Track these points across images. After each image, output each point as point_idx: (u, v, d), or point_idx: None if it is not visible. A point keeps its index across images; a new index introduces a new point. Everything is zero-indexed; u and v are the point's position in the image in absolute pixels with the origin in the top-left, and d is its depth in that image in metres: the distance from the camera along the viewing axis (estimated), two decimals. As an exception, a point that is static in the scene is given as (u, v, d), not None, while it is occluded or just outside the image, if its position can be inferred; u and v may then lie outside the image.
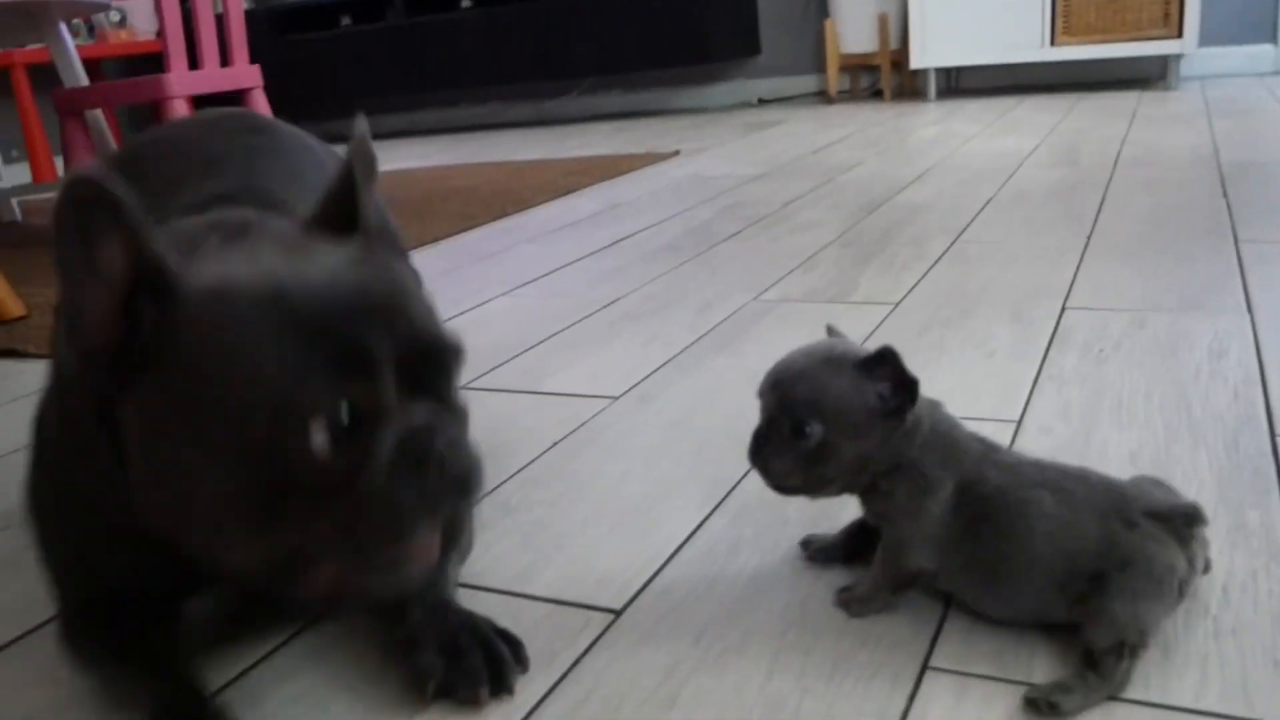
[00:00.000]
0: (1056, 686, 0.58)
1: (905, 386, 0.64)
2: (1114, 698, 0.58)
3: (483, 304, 1.60)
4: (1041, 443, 0.92)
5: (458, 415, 0.58)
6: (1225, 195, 1.81)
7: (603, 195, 2.52)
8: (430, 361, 0.56)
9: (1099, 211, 1.78)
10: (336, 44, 4.92)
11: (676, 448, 0.99)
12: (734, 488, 0.89)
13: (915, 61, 3.79)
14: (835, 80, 4.12)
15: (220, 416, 0.51)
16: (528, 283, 1.71)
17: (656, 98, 4.86)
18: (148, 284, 0.52)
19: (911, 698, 0.60)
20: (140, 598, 0.67)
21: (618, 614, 0.72)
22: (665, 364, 1.23)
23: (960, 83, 4.25)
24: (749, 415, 1.04)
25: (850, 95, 4.35)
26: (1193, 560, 0.61)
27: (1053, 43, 3.51)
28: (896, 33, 3.98)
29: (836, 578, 0.73)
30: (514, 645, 0.67)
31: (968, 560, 0.64)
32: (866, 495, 0.68)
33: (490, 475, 0.96)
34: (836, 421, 0.65)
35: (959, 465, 0.65)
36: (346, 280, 0.54)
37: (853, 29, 3.99)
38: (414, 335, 0.55)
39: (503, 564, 0.81)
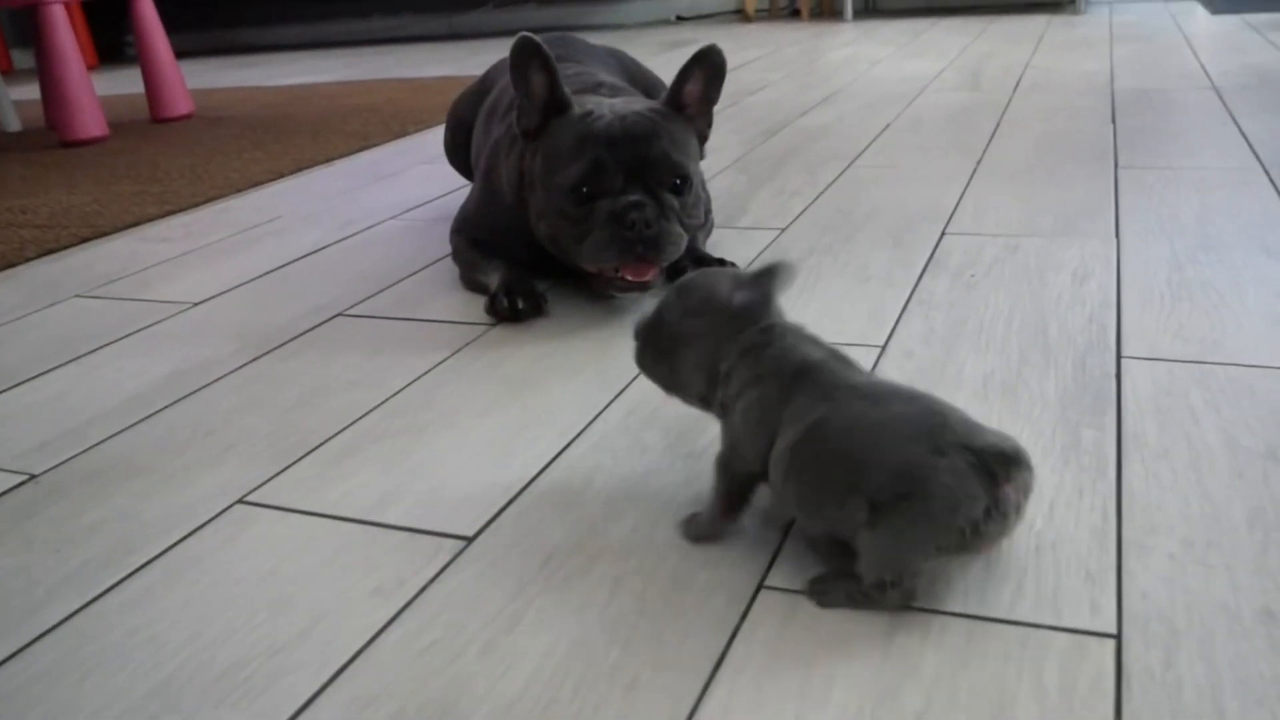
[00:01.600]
0: (833, 587, 0.61)
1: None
2: (928, 609, 0.61)
3: (372, 227, 1.58)
4: (904, 366, 0.94)
5: (661, 202, 1.06)
6: (1114, 122, 1.84)
7: (508, 115, 2.47)
8: (650, 173, 1.06)
9: (991, 138, 1.80)
10: (239, -48, 4.73)
11: (544, 376, 0.99)
12: (597, 416, 0.90)
13: (831, -20, 3.76)
14: (752, -2, 4.08)
15: (553, 169, 1.08)
16: (419, 205, 1.68)
17: (572, 12, 4.77)
18: (555, 102, 1.09)
19: (744, 615, 0.62)
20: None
21: (469, 540, 0.73)
22: (546, 290, 1.22)
23: (878, 3, 4.23)
24: (621, 339, 1.05)
25: (768, 14, 4.31)
26: (1000, 503, 0.57)
27: (965, -36, 3.51)
28: (813, -50, 3.94)
29: (684, 507, 0.75)
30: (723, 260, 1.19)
31: (789, 473, 0.63)
32: (714, 407, 0.70)
33: (358, 403, 0.96)
34: (686, 315, 0.70)
35: (789, 375, 0.65)
36: (628, 126, 1.06)
37: (769, -54, 3.94)
38: (644, 158, 1.05)
39: (362, 492, 0.81)
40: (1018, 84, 2.31)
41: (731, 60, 3.08)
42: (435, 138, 2.27)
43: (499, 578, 0.68)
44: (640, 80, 1.50)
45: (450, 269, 1.33)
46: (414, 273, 1.34)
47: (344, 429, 0.92)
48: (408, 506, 0.78)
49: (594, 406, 0.92)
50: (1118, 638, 0.58)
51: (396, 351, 1.08)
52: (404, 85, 3.16)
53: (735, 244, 1.33)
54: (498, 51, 3.93)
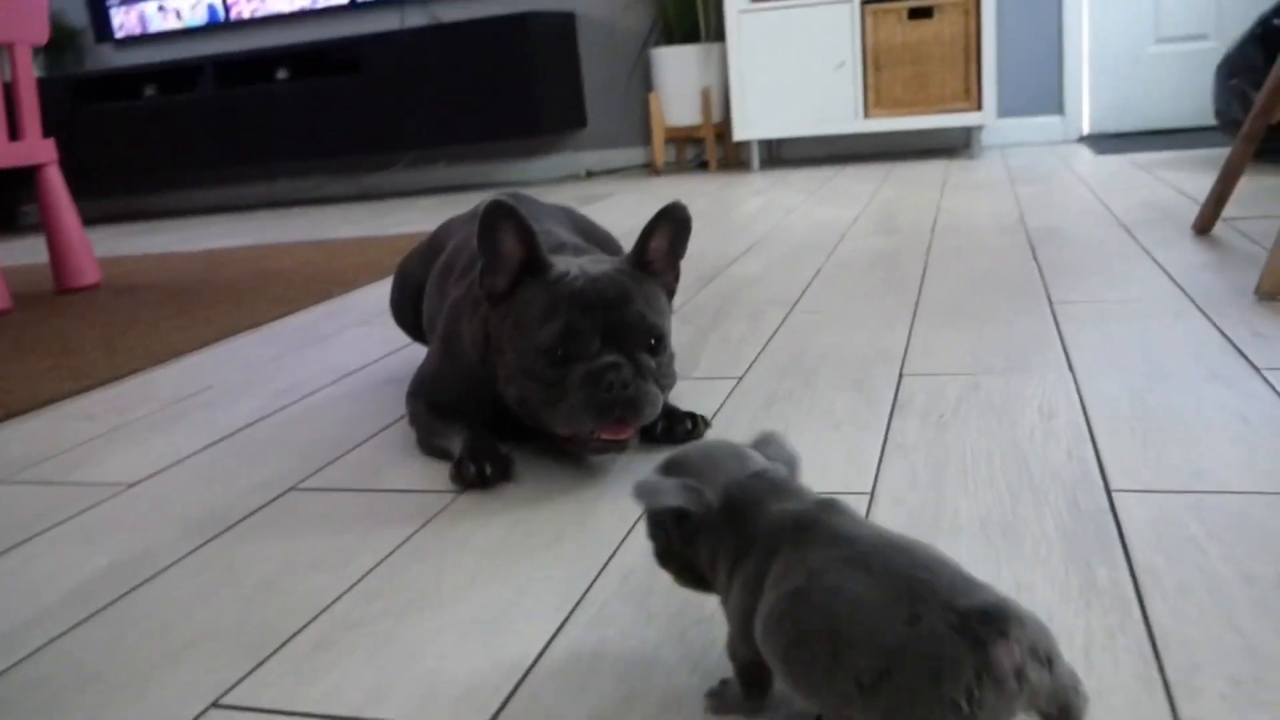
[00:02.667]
0: None
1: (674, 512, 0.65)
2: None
3: (311, 394, 1.53)
4: (896, 514, 0.92)
5: (638, 364, 1.05)
6: (1035, 259, 1.91)
7: (433, 274, 2.46)
8: (627, 335, 1.05)
9: (922, 279, 1.84)
10: (143, 116, 4.72)
11: (522, 545, 0.95)
12: (591, 585, 0.86)
13: (738, 134, 3.90)
14: (661, 152, 4.20)
15: (525, 332, 1.06)
16: (358, 369, 1.64)
17: (483, 171, 4.85)
18: (531, 264, 1.08)
19: (794, 801, 0.58)
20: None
21: (477, 732, 0.67)
22: (509, 451, 1.19)
23: (781, 153, 4.40)
24: (601, 502, 1.01)
25: (676, 167, 4.44)
26: (991, 667, 0.51)
27: (865, 115, 3.68)
28: (719, 105, 4.10)
29: (708, 677, 0.71)
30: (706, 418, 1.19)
31: (764, 634, 0.58)
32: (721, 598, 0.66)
33: (325, 588, 0.90)
34: (652, 526, 0.68)
35: (764, 549, 0.61)
36: (600, 288, 1.05)
37: (676, 102, 4.08)
38: (621, 320, 1.05)
39: (348, 685, 0.75)
40: (934, 226, 2.40)
41: (647, 212, 3.14)
42: (363, 299, 2.24)
43: (517, 773, 0.63)
44: (593, 237, 1.50)
45: (404, 433, 1.29)
46: (365, 440, 1.29)
47: (315, 618, 0.86)
48: (400, 702, 0.72)
49: (585, 575, 0.87)
50: (1194, 794, 0.55)
51: (359, 527, 1.03)
52: (320, 248, 3.14)
53: (696, 395, 1.31)
54: (408, 211, 3.95)
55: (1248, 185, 2.46)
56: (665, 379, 1.08)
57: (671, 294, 1.16)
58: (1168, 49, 3.68)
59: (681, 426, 1.16)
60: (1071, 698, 0.55)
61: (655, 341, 1.07)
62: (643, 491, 0.66)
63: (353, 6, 4.69)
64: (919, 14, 3.55)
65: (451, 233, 1.46)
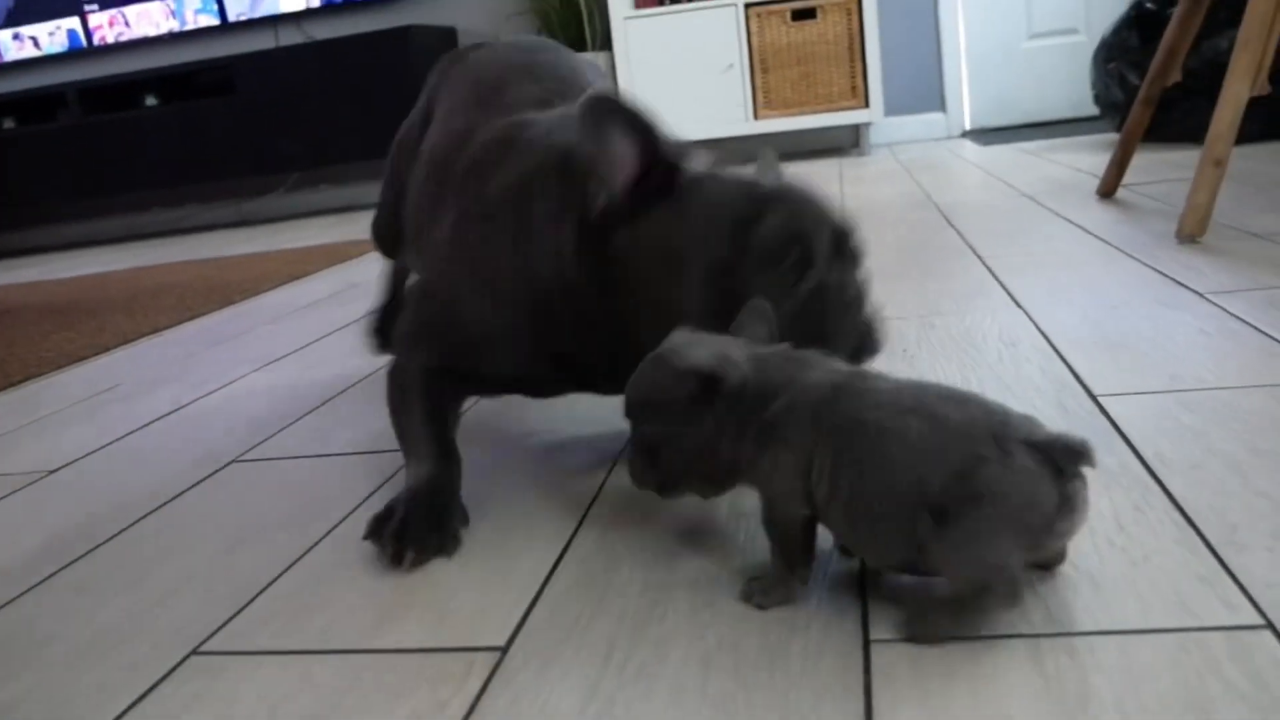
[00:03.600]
0: (928, 615, 0.57)
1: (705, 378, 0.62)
2: (1056, 634, 0.55)
3: (235, 380, 1.44)
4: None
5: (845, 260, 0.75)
6: (953, 226, 1.94)
7: (336, 278, 2.38)
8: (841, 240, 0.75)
9: (846, 247, 1.85)
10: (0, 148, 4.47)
11: (512, 485, 0.90)
12: (591, 504, 0.82)
13: (628, 141, 3.90)
14: (551, 164, 4.17)
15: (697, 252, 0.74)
16: (282, 358, 1.56)
17: (369, 191, 4.74)
18: (660, 165, 0.76)
19: (867, 674, 0.55)
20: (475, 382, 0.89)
21: (504, 650, 0.62)
22: (468, 408, 1.13)
23: (669, 162, 4.42)
24: (579, 446, 0.97)
25: (566, 179, 4.42)
26: (1071, 499, 0.54)
27: (755, 116, 3.72)
28: (606, 116, 4.09)
29: (736, 577, 0.67)
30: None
31: (829, 497, 0.58)
32: (744, 476, 0.64)
33: (299, 540, 0.84)
34: (657, 417, 0.65)
35: (808, 408, 0.60)
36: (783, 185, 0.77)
37: (564, 113, 4.06)
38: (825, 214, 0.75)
39: (349, 619, 0.69)
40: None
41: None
42: (269, 302, 2.14)
43: (560, 683, 0.58)
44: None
45: (353, 400, 1.22)
46: (309, 411, 1.22)
47: (293, 564, 0.79)
48: (414, 626, 0.67)
49: (582, 498, 0.83)
50: (1271, 627, 0.54)
51: (318, 489, 0.96)
52: (210, 264, 3.01)
53: (646, 353, 1.28)
54: (299, 231, 3.83)
55: (1140, 160, 2.56)
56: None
57: None
58: (1040, 44, 3.83)
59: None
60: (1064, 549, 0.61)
61: (851, 245, 0.78)
62: (669, 357, 0.64)
63: (224, 27, 4.54)
64: (802, 15, 3.62)
65: (450, 88, 1.07)
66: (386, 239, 1.21)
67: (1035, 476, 0.53)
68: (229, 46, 4.57)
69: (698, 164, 0.79)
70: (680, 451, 0.65)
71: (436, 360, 0.88)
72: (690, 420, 0.64)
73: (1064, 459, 0.54)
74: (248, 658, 0.66)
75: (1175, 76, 1.94)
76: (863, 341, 0.75)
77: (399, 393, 0.89)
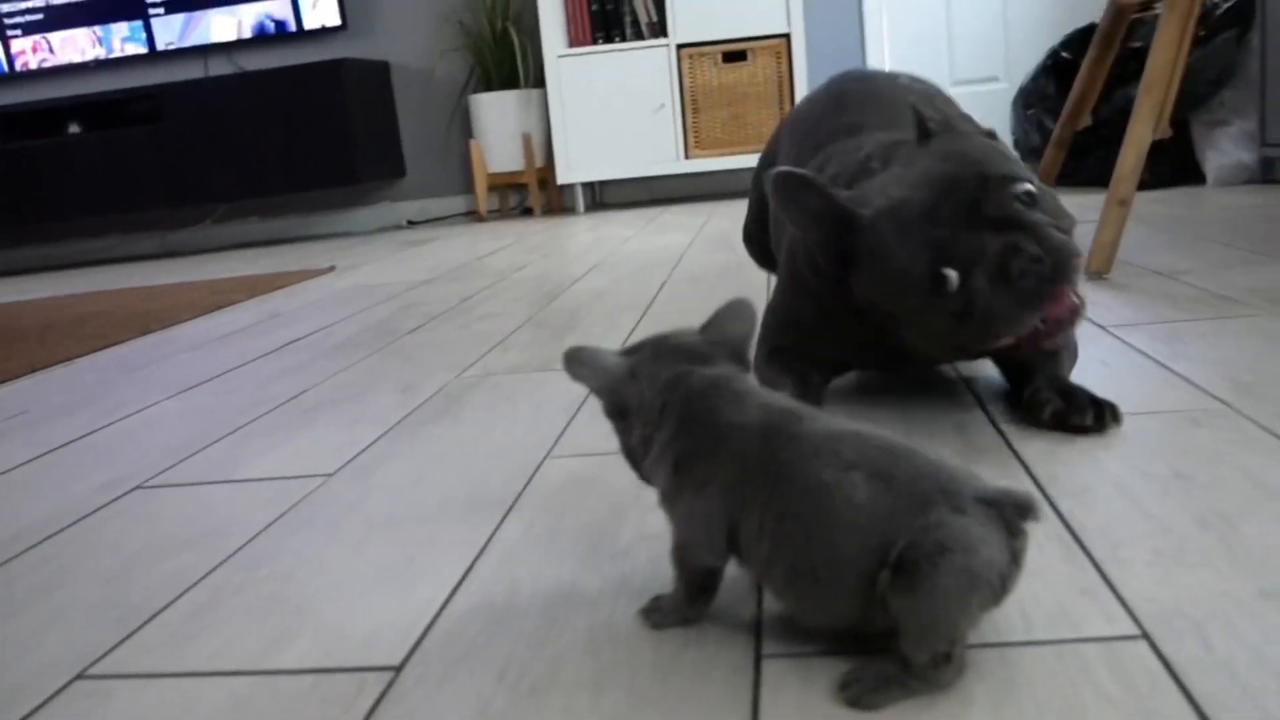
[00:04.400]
0: (876, 681, 0.52)
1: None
2: (956, 649, 0.56)
3: (148, 407, 1.42)
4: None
5: (1025, 225, 0.82)
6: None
7: (259, 308, 2.35)
8: (991, 204, 0.82)
9: (769, 281, 1.88)
10: (-82, 178, 4.36)
11: (415, 513, 0.89)
12: (493, 535, 0.81)
13: (562, 178, 3.92)
14: (484, 199, 4.17)
15: (899, 288, 0.86)
16: (196, 385, 1.53)
17: (299, 224, 4.69)
18: (841, 218, 0.89)
19: (756, 687, 0.55)
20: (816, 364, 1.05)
21: (398, 669, 0.62)
22: (378, 439, 1.13)
23: (605, 197, 4.44)
24: (485, 475, 0.97)
25: (500, 214, 4.42)
26: (1017, 555, 0.52)
27: (686, 156, 3.76)
28: (541, 150, 4.11)
29: (636, 599, 0.67)
30: (1114, 406, 0.91)
31: (769, 558, 0.56)
32: (661, 503, 0.64)
33: (197, 564, 0.83)
34: (608, 402, 0.65)
35: (735, 454, 0.58)
36: (933, 180, 0.85)
37: (498, 148, 4.07)
38: (972, 198, 0.82)
39: (239, 643, 0.68)
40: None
41: (481, 248, 3.11)
42: (190, 331, 2.11)
43: (451, 702, 0.58)
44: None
45: (265, 427, 1.21)
46: (219, 439, 1.20)
47: (190, 588, 0.78)
48: (306, 647, 0.66)
49: (483, 529, 0.83)
50: (1146, 637, 0.56)
51: (223, 512, 0.95)
52: (132, 293, 2.95)
53: (561, 383, 1.29)
54: (226, 263, 3.78)
55: (1049, 203, 2.64)
56: (1063, 221, 0.85)
57: (994, 136, 0.96)
58: (963, 90, 3.93)
59: (1079, 418, 0.89)
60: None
61: (1023, 193, 0.83)
62: (568, 358, 0.64)
63: (152, 55, 4.49)
64: (733, 57, 3.68)
65: (789, 129, 1.26)
66: (754, 247, 1.50)
67: (990, 534, 0.51)
68: (157, 75, 4.52)
69: (872, 185, 0.91)
70: (623, 449, 0.65)
71: (776, 345, 1.07)
72: (617, 425, 0.65)
73: (1013, 515, 0.52)
74: (135, 681, 0.64)
75: (1085, 121, 2.01)
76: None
77: (759, 373, 1.05)
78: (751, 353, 0.67)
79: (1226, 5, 2.71)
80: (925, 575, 0.50)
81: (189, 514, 0.95)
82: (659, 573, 0.70)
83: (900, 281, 0.85)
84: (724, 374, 0.62)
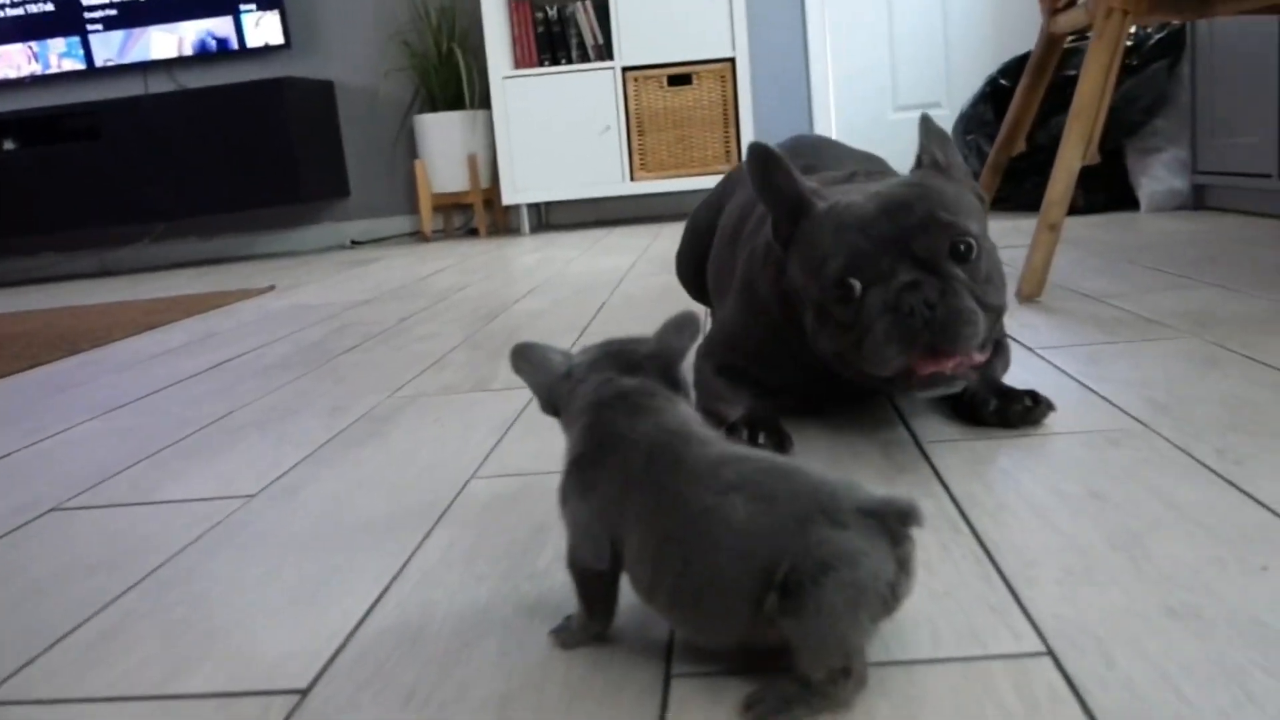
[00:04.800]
0: (778, 702, 0.52)
1: None
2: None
3: (70, 428, 1.39)
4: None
5: (943, 275, 0.85)
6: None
7: (194, 328, 2.32)
8: (920, 242, 0.86)
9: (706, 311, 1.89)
10: None
11: (335, 535, 0.88)
12: (411, 556, 0.80)
13: (507, 198, 3.91)
14: (429, 219, 4.15)
15: (812, 274, 0.91)
16: (121, 406, 1.50)
17: (240, 243, 4.64)
18: (798, 202, 0.94)
19: (663, 707, 0.55)
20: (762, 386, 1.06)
21: (304, 693, 0.61)
22: (303, 461, 1.11)
23: (550, 218, 4.45)
24: (408, 496, 0.95)
25: (445, 234, 4.40)
26: (905, 562, 0.53)
27: (632, 178, 3.78)
28: (486, 171, 4.10)
29: (551, 618, 0.67)
30: (1048, 398, 0.98)
31: (652, 582, 0.56)
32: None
33: (108, 587, 0.81)
34: (542, 400, 0.68)
35: (620, 469, 0.58)
36: (883, 200, 0.88)
37: (443, 169, 4.06)
38: (907, 227, 0.86)
39: (146, 668, 0.66)
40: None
41: (424, 268, 3.09)
42: (120, 351, 2.07)
43: (356, 723, 0.57)
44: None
45: (189, 448, 1.19)
46: (140, 460, 1.18)
47: (100, 611, 0.76)
48: (211, 671, 0.64)
49: (402, 550, 0.82)
50: (1051, 654, 0.56)
51: (140, 535, 0.93)
52: (64, 312, 2.89)
53: (495, 403, 1.28)
54: (164, 282, 3.72)
55: (992, 227, 2.68)
56: (986, 291, 0.88)
57: (982, 200, 0.98)
58: (906, 116, 3.99)
59: (1018, 405, 0.96)
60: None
61: (962, 246, 0.86)
62: (514, 353, 0.68)
63: (91, 72, 4.43)
64: (678, 80, 3.71)
65: (736, 182, 1.32)
66: (684, 274, 1.57)
67: (874, 545, 0.51)
68: (96, 92, 4.45)
69: (838, 190, 0.96)
70: None
71: (724, 363, 1.09)
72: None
73: (895, 522, 0.52)
74: (33, 708, 0.62)
75: (1020, 147, 2.04)
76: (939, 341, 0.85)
77: (700, 386, 1.09)
78: (688, 367, 0.68)
79: (1159, 36, 2.78)
80: (810, 595, 0.50)
81: (105, 536, 0.93)
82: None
83: (817, 274, 0.90)
84: (637, 387, 0.62)
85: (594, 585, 0.61)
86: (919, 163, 0.95)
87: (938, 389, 0.88)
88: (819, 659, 0.51)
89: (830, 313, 0.90)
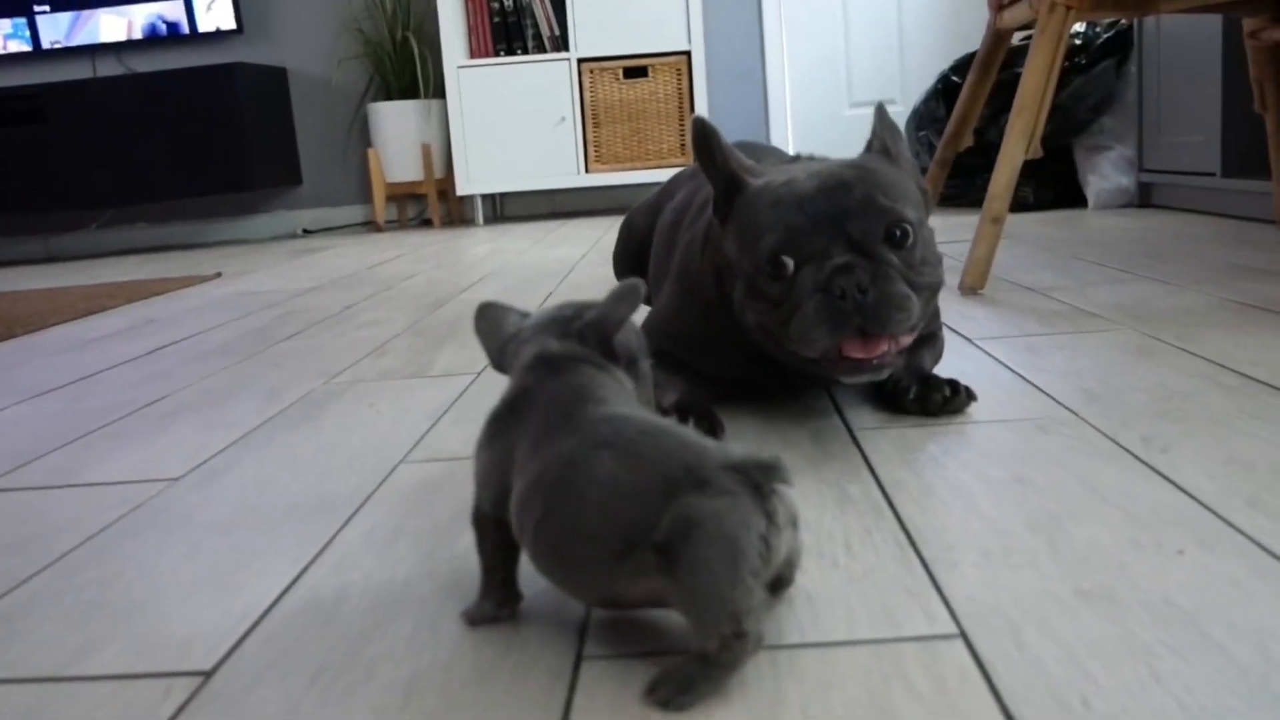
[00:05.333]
0: (682, 681, 0.51)
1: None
2: (776, 645, 0.56)
3: (-6, 412, 1.35)
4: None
5: (877, 259, 0.86)
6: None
7: (135, 314, 2.28)
8: (856, 224, 0.86)
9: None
10: None
11: (255, 518, 0.86)
12: (332, 539, 0.79)
13: (461, 189, 3.88)
14: (382, 209, 4.11)
15: (745, 248, 0.91)
16: (51, 390, 1.47)
17: (190, 230, 4.57)
18: (733, 180, 0.94)
19: (571, 690, 0.54)
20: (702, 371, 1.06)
21: (209, 674, 0.59)
22: (232, 445, 1.09)
23: (505, 210, 4.42)
24: (335, 480, 0.94)
25: (399, 224, 4.36)
26: (773, 515, 0.52)
27: (587, 170, 3.76)
28: (441, 161, 4.07)
29: (466, 600, 0.66)
30: (969, 388, 0.98)
31: (520, 527, 0.57)
32: None
33: (18, 568, 0.78)
34: (492, 360, 0.70)
35: (520, 414, 0.61)
36: (823, 179, 0.88)
37: (397, 159, 4.02)
38: (844, 208, 0.86)
39: (47, 649, 0.64)
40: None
41: (374, 257, 3.06)
42: (54, 336, 2.03)
43: (258, 706, 0.55)
44: None
45: (113, 433, 1.16)
46: (66, 444, 1.15)
47: (8, 593, 0.74)
48: (115, 653, 0.63)
49: (323, 533, 0.80)
50: (963, 635, 0.56)
51: (58, 517, 0.90)
52: (3, 297, 2.83)
53: (433, 389, 1.26)
54: (110, 269, 3.65)
55: (943, 221, 2.69)
56: (919, 277, 0.88)
57: (921, 190, 0.96)
58: (861, 112, 4.01)
59: (938, 394, 0.96)
60: (789, 569, 0.59)
61: (898, 231, 0.86)
62: (478, 312, 0.69)
63: (37, 54, 4.34)
64: (634, 73, 3.70)
65: (681, 183, 1.35)
66: (621, 275, 1.57)
67: (739, 499, 0.51)
68: (42, 75, 4.36)
69: (779, 170, 0.95)
70: None
71: (659, 349, 0.99)
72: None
73: (760, 476, 0.52)
74: (-75, 691, 0.60)
75: (967, 142, 2.05)
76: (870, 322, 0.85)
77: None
78: (630, 335, 0.68)
79: (1106, 35, 2.81)
80: (682, 552, 0.50)
81: (21, 519, 0.91)
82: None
83: (751, 248, 0.89)
84: (566, 351, 0.63)
85: (491, 539, 0.61)
86: (868, 148, 0.95)
87: (863, 375, 0.88)
88: (707, 623, 0.50)
89: (761, 288, 0.89)
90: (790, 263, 0.86)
